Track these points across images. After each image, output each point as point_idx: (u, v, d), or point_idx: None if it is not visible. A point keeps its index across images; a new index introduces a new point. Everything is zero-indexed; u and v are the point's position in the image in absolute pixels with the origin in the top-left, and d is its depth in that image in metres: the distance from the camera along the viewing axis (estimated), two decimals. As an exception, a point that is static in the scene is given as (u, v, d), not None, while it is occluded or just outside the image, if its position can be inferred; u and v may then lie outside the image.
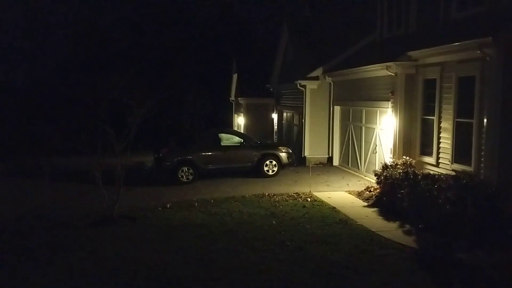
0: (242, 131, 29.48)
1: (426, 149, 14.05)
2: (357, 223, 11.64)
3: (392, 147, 15.10)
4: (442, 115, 13.18)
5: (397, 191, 12.30)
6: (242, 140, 18.96)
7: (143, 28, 41.96)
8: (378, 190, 13.93)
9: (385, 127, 15.87)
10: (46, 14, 39.65)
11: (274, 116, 28.74)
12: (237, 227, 11.53)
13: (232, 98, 36.82)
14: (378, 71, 15.89)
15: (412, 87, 14.64)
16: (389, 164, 13.94)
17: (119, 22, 41.67)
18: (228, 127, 34.98)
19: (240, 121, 33.55)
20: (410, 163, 13.51)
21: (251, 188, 16.15)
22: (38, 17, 39.02)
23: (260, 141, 20.82)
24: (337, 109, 21.16)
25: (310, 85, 21.61)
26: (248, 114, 32.04)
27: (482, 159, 11.33)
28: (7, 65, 35.59)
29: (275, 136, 28.61)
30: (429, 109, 13.92)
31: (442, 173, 12.10)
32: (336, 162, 21.24)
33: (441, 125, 13.22)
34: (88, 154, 12.45)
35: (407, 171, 12.65)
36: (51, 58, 36.73)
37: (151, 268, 8.87)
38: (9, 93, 35.09)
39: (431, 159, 13.60)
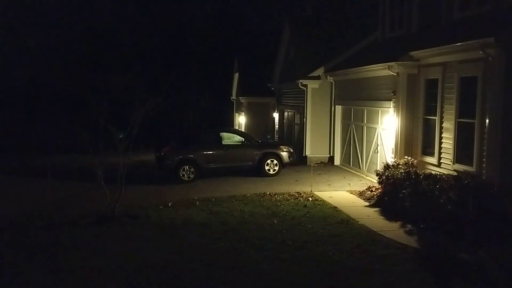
0: (243, 130, 29.48)
1: (428, 149, 14.05)
2: (358, 223, 11.64)
3: (393, 147, 15.09)
4: (444, 115, 13.17)
5: (398, 191, 12.29)
6: (243, 139, 18.98)
7: (144, 27, 41.94)
8: (379, 190, 13.92)
9: (387, 127, 15.87)
10: (48, 12, 39.61)
11: (275, 115, 28.73)
12: (239, 226, 11.53)
13: (233, 97, 36.82)
14: (380, 70, 15.88)
15: (414, 87, 14.63)
16: (391, 164, 13.93)
17: (121, 21, 41.64)
18: (229, 126, 34.98)
19: (241, 120, 33.55)
20: (412, 163, 13.50)
21: (252, 187, 16.15)
22: (40, 15, 38.97)
23: (261, 140, 20.83)
24: (339, 108, 21.16)
25: (312, 85, 21.62)
26: (249, 113, 32.04)
27: (484, 159, 11.32)
28: (9, 64, 35.54)
29: (276, 135, 28.61)
30: (431, 109, 13.92)
31: (444, 173, 12.10)
32: (337, 161, 21.24)
33: (443, 125, 13.22)
34: (90, 152, 12.47)
35: (409, 171, 12.65)
36: (53, 57, 36.70)
37: (153, 267, 8.88)
38: (11, 92, 35.09)
39: (433, 159, 13.60)
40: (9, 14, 37.24)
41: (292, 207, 13.30)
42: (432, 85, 13.84)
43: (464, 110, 12.29)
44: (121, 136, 12.53)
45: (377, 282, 8.09)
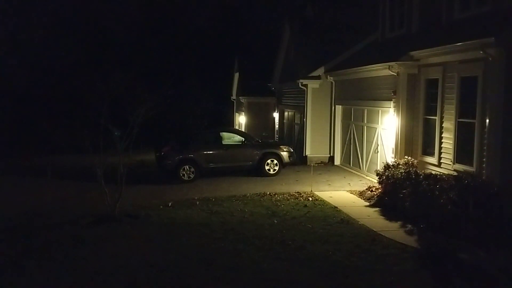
0: (243, 130, 29.49)
1: (428, 149, 14.05)
2: (358, 222, 11.64)
3: (394, 146, 15.09)
4: (444, 115, 13.17)
5: (399, 191, 12.30)
6: (244, 139, 18.99)
7: (145, 27, 41.94)
8: (379, 190, 13.92)
9: (387, 127, 15.86)
10: (48, 12, 39.62)
11: (276, 115, 28.73)
12: (239, 226, 11.53)
13: (234, 97, 36.83)
14: (380, 70, 15.88)
15: (414, 87, 14.63)
16: (391, 164, 13.92)
17: (121, 21, 41.64)
18: (230, 126, 34.99)
19: (241, 120, 33.56)
20: (412, 163, 13.50)
21: (252, 187, 16.15)
22: (40, 15, 38.98)
23: (262, 140, 20.83)
24: (339, 108, 21.16)
25: (312, 84, 21.62)
26: (250, 113, 32.05)
27: (484, 159, 11.33)
28: (9, 64, 35.55)
29: (276, 135, 28.61)
30: (431, 109, 13.92)
31: (444, 173, 12.10)
32: (337, 161, 21.24)
33: (443, 125, 13.22)
34: (90, 152, 12.47)
35: (409, 171, 12.65)
36: (53, 57, 36.69)
37: (153, 267, 8.89)
38: (11, 91, 35.09)
39: (433, 159, 13.60)
40: (9, 14, 37.25)
41: (292, 207, 13.30)
42: (432, 85, 13.84)
43: (464, 110, 12.29)
44: (116, 133, 12.51)
45: (377, 282, 8.09)
